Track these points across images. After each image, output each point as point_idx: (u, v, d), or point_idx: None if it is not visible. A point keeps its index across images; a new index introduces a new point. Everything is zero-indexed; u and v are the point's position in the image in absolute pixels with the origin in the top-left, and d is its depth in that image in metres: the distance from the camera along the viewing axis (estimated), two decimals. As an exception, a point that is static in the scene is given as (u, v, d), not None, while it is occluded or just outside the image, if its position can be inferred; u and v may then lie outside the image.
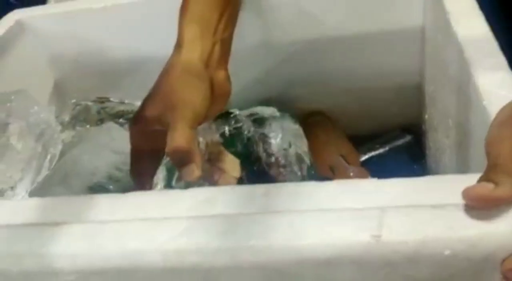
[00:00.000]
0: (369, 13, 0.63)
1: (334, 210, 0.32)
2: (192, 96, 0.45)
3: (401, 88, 0.70)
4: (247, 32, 0.65)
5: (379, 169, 0.69)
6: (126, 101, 0.74)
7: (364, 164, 0.71)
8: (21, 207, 0.36)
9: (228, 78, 0.50)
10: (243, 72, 0.69)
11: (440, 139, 0.63)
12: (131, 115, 0.73)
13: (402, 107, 0.72)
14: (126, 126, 0.69)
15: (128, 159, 0.59)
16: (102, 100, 0.73)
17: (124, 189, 0.59)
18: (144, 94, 0.71)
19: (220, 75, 0.49)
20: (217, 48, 0.49)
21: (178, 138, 0.41)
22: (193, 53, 0.47)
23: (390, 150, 0.71)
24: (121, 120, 0.70)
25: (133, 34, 0.68)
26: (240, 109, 0.67)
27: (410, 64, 0.67)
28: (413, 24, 0.63)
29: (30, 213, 0.36)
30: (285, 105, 0.73)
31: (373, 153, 0.71)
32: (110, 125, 0.65)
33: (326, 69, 0.69)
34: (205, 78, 0.47)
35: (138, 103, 0.48)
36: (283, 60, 0.68)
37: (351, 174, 0.61)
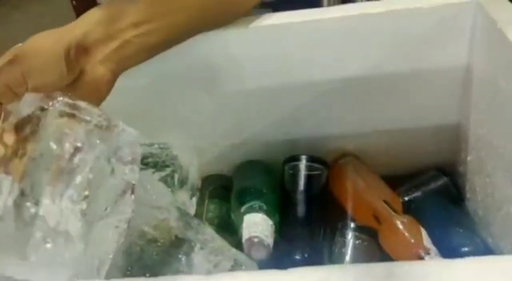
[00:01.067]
0: (411, 52, 0.60)
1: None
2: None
3: (438, 128, 0.68)
4: (287, 68, 0.62)
5: (417, 213, 0.66)
6: (142, 142, 0.69)
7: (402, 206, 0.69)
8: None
9: (108, 80, 0.48)
10: (276, 106, 0.67)
11: (485, 182, 0.61)
12: (150, 160, 0.69)
13: (438, 147, 0.70)
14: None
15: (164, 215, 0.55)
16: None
17: (158, 253, 0.55)
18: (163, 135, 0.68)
19: (99, 71, 0.47)
20: (117, 45, 0.47)
21: None
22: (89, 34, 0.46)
23: (426, 192, 0.68)
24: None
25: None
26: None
27: (450, 103, 0.65)
28: (457, 64, 0.61)
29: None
30: (315, 144, 0.70)
31: (410, 196, 0.68)
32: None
33: (363, 108, 0.66)
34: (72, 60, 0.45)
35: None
36: (320, 97, 0.64)
37: (399, 223, 0.58)
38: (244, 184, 0.65)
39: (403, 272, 0.30)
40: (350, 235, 0.61)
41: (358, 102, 0.65)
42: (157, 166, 0.65)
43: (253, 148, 0.71)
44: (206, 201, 0.69)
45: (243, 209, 0.61)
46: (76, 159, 0.39)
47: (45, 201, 0.35)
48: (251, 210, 0.59)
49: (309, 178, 0.66)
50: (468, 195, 0.66)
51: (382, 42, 0.59)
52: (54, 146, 0.38)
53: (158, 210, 0.53)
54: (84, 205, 0.37)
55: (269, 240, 0.56)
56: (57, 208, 0.35)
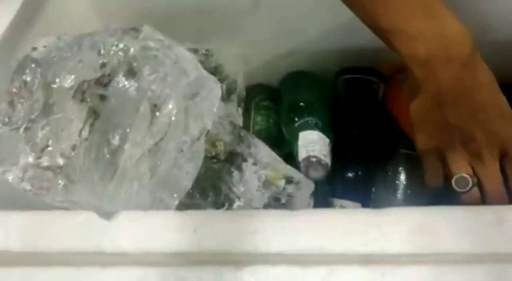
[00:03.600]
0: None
1: None
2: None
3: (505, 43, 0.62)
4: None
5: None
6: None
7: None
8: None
9: None
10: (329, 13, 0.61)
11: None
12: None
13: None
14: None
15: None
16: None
17: (213, 170, 0.52)
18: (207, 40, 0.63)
19: None
20: None
21: None
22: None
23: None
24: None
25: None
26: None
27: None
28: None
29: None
30: (370, 56, 0.65)
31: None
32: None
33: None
34: None
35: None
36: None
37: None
38: (297, 97, 0.61)
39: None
40: (408, 152, 0.58)
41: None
42: (203, 75, 0.61)
43: (302, 58, 0.67)
44: (252, 113, 0.66)
45: (297, 124, 0.58)
46: (164, 94, 0.35)
47: (132, 137, 0.32)
48: (306, 126, 0.57)
49: (364, 92, 0.62)
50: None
51: None
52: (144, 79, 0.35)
53: (213, 124, 0.51)
54: (160, 145, 0.34)
55: (327, 160, 0.54)
56: (141, 146, 0.33)
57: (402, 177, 0.58)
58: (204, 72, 0.42)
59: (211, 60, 0.62)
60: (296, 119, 0.58)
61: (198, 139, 0.39)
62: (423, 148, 0.47)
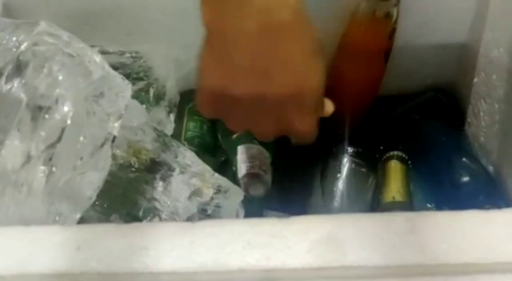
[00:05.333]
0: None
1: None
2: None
3: (443, 47, 0.61)
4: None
5: (416, 137, 0.61)
6: (111, 50, 0.61)
7: (397, 129, 0.64)
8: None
9: None
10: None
11: (493, 108, 0.56)
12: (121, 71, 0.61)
13: (439, 68, 0.64)
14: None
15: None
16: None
17: (131, 180, 0.49)
18: (137, 42, 0.59)
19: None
20: None
21: None
22: None
23: (424, 114, 0.63)
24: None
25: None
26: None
27: (460, 20, 0.58)
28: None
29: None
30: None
31: (407, 118, 0.62)
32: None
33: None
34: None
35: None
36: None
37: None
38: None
39: (427, 225, 0.25)
40: (346, 159, 0.56)
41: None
42: (129, 78, 0.56)
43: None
44: (185, 119, 0.62)
45: (235, 136, 0.54)
46: (54, 94, 0.31)
47: (10, 141, 0.28)
48: (245, 140, 0.53)
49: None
50: (469, 120, 0.62)
51: None
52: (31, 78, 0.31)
53: (131, 131, 0.47)
54: (54, 151, 0.31)
55: (268, 176, 0.51)
56: (23, 150, 0.29)
57: (339, 185, 0.56)
58: (112, 72, 0.39)
59: (139, 63, 0.58)
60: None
61: (102, 145, 0.35)
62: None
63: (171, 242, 0.26)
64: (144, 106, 0.56)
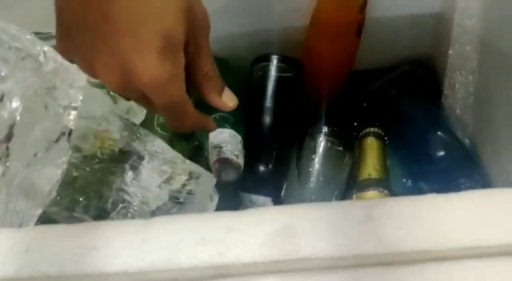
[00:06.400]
0: None
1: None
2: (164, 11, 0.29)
3: (417, 18, 0.60)
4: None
5: (392, 112, 0.60)
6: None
7: (373, 104, 0.63)
8: None
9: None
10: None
11: (467, 79, 0.55)
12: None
13: (414, 40, 0.63)
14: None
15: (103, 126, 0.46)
16: (43, 36, 0.56)
17: (96, 171, 0.47)
18: None
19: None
20: None
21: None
22: None
23: (400, 88, 0.62)
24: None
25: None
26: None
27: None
28: None
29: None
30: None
31: (384, 92, 0.61)
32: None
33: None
34: None
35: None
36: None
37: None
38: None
39: (385, 212, 0.24)
40: (321, 138, 0.55)
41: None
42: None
43: (215, 44, 0.63)
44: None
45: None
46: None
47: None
48: (217, 124, 0.52)
49: (278, 81, 0.57)
50: (445, 93, 0.61)
51: None
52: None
53: (94, 121, 0.46)
54: (6, 148, 0.29)
55: (240, 160, 0.50)
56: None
57: (315, 165, 0.56)
58: (65, 63, 0.37)
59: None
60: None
61: (57, 140, 0.34)
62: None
63: (121, 241, 0.25)
64: (109, 93, 0.55)
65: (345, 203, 0.24)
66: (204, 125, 0.39)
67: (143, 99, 0.33)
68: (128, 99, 0.38)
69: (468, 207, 0.23)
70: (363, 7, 0.56)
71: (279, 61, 0.59)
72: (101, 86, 0.51)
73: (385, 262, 0.22)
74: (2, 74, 0.30)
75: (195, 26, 0.31)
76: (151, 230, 0.26)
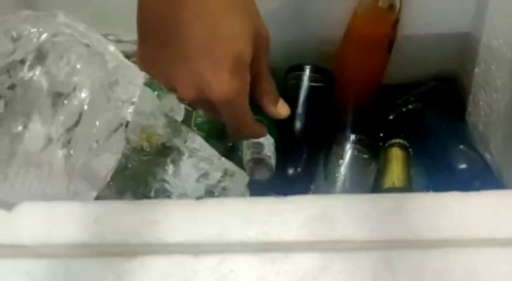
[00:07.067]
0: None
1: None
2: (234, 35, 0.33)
3: (445, 36, 0.63)
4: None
5: (416, 124, 0.63)
6: (125, 39, 0.63)
7: (399, 117, 0.66)
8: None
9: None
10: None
11: (491, 97, 0.57)
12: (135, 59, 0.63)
13: (441, 57, 0.66)
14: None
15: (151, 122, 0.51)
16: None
17: (143, 162, 0.51)
18: None
19: (259, 17, 0.36)
20: None
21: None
22: None
23: (426, 103, 0.65)
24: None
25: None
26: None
27: (462, 10, 0.60)
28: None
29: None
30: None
31: (409, 107, 0.65)
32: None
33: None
34: (252, 13, 0.35)
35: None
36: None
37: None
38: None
39: (412, 205, 0.27)
40: (348, 146, 0.59)
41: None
42: (143, 66, 0.60)
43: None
44: (196, 106, 0.65)
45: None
46: (72, 81, 0.34)
47: (32, 125, 0.31)
48: None
49: (311, 90, 0.62)
50: (469, 109, 0.64)
51: None
52: (51, 66, 0.33)
53: (144, 116, 0.50)
54: (72, 134, 0.33)
55: (272, 161, 0.54)
56: (44, 133, 0.31)
57: (341, 171, 0.59)
58: (126, 61, 0.41)
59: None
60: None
61: (116, 130, 0.38)
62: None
63: (177, 217, 0.29)
64: (156, 93, 0.59)
65: (377, 195, 0.28)
66: (260, 133, 0.43)
67: (212, 110, 0.37)
68: (194, 108, 0.41)
69: (484, 204, 0.26)
70: (395, 24, 0.59)
71: (311, 71, 0.63)
72: (149, 85, 0.55)
73: (411, 247, 0.25)
74: (78, 66, 0.34)
75: (258, 45, 0.35)
76: (203, 209, 0.29)
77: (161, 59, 0.34)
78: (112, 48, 0.38)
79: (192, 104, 0.39)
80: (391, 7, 0.56)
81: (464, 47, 0.63)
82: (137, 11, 0.35)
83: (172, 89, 0.36)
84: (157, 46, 0.34)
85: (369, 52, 0.61)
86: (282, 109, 0.42)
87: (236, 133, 0.41)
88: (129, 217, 0.29)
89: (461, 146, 0.57)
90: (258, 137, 0.43)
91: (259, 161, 0.53)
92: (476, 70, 0.60)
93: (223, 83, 0.33)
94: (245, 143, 0.55)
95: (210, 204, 0.30)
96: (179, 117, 0.61)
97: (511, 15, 0.52)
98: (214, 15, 0.33)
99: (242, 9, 0.34)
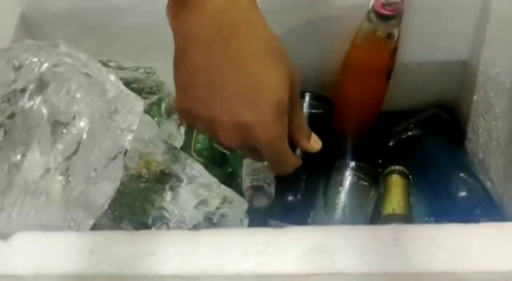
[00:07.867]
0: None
1: None
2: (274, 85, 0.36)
3: (444, 65, 0.63)
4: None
5: (415, 151, 0.63)
6: (126, 65, 0.64)
7: (399, 144, 0.66)
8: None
9: None
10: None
11: (490, 125, 0.58)
12: (135, 85, 0.64)
13: (441, 85, 0.66)
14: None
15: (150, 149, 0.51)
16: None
17: (141, 189, 0.52)
18: (151, 58, 0.62)
19: (291, 60, 0.39)
20: None
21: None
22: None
23: (426, 130, 0.65)
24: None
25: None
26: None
27: (460, 39, 0.60)
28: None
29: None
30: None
31: (409, 134, 0.65)
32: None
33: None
34: (286, 59, 0.37)
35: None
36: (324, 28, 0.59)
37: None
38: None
39: (411, 237, 0.27)
40: (348, 173, 0.59)
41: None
42: (142, 93, 0.60)
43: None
44: (195, 132, 0.65)
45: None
46: (72, 111, 0.35)
47: (31, 154, 0.31)
48: None
49: (310, 117, 0.62)
50: (469, 136, 0.64)
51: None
52: (51, 96, 0.34)
53: (143, 144, 0.50)
54: (70, 162, 0.34)
55: (271, 188, 0.54)
56: (43, 162, 0.32)
57: (341, 198, 0.59)
58: (125, 90, 0.41)
59: (152, 78, 0.62)
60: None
61: (115, 158, 0.38)
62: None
63: (174, 248, 0.29)
64: (156, 119, 0.59)
65: (375, 227, 0.27)
66: (297, 165, 0.44)
67: (254, 152, 0.40)
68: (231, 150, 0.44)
69: (484, 237, 0.26)
70: (393, 52, 0.59)
71: (311, 98, 0.64)
72: (148, 112, 0.56)
73: (410, 280, 0.25)
74: (78, 96, 0.34)
75: (293, 87, 0.38)
76: (201, 240, 0.29)
77: (204, 110, 0.36)
78: (112, 77, 0.39)
79: (234, 150, 0.42)
80: (390, 36, 0.57)
81: (463, 75, 0.64)
82: (176, 65, 0.38)
83: (215, 137, 0.39)
84: (199, 99, 0.36)
85: (368, 81, 0.61)
86: (315, 143, 0.46)
87: (277, 169, 0.44)
88: (125, 247, 0.29)
89: (461, 174, 0.56)
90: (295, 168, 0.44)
91: (258, 188, 0.53)
92: (475, 97, 0.61)
93: (267, 130, 0.36)
94: (244, 170, 0.55)
95: (207, 235, 0.30)
96: (179, 143, 0.62)
97: (508, 44, 0.53)
98: (255, 68, 0.35)
99: (278, 56, 0.37)
